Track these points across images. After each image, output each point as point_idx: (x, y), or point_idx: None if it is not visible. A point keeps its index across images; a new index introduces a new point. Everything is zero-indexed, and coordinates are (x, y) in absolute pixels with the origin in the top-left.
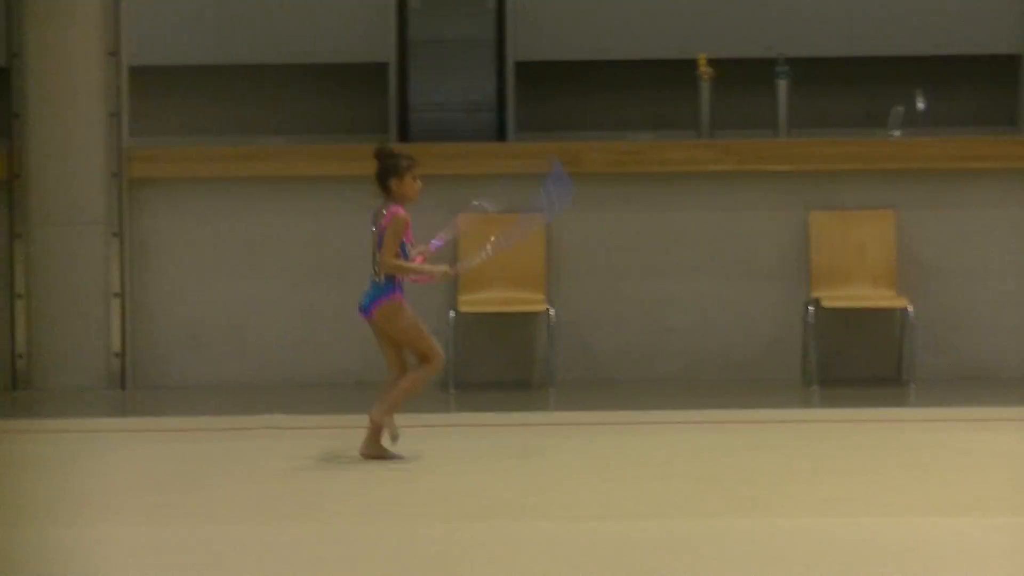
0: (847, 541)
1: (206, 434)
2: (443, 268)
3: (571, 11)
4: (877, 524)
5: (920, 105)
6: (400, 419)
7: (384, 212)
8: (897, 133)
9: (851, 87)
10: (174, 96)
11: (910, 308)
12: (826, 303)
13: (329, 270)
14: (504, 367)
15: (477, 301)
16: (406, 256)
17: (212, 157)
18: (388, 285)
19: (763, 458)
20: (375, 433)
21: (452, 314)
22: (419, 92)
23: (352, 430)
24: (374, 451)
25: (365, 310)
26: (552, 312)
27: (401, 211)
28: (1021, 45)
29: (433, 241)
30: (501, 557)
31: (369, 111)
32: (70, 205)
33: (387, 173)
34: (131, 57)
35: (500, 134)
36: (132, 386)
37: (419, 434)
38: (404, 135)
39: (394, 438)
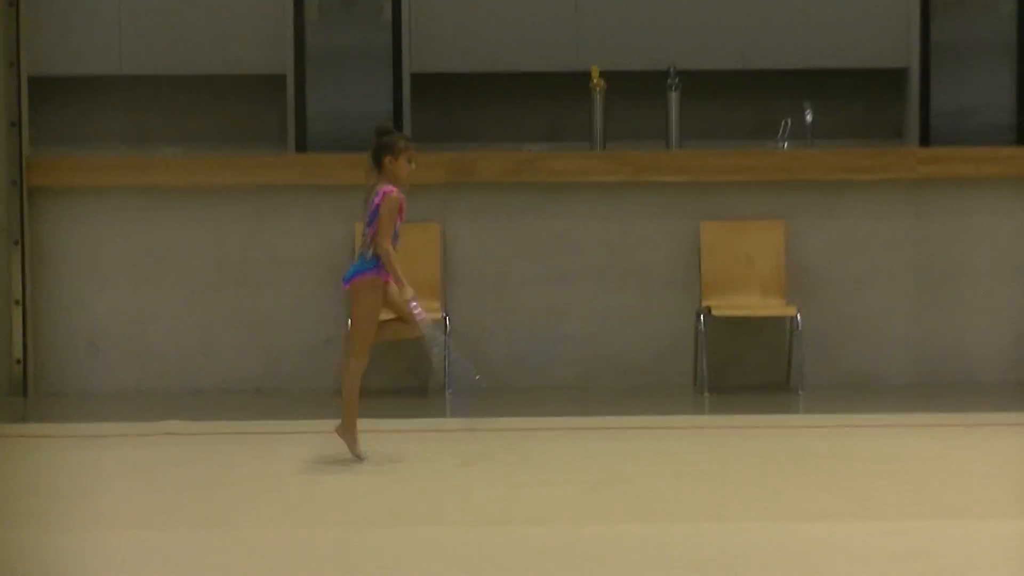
0: (737, 545)
1: (104, 441)
2: (412, 291)
3: (466, 23)
4: (766, 528)
5: (808, 118)
6: (286, 425)
7: (377, 190)
8: (786, 145)
9: (741, 100)
10: (75, 106)
11: (799, 316)
12: (716, 311)
13: (227, 278)
14: (401, 374)
15: None
16: (396, 234)
17: (112, 166)
18: (375, 263)
19: (655, 463)
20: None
21: (349, 322)
22: (316, 103)
23: (251, 435)
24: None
25: (346, 280)
26: (447, 318)
27: (394, 191)
28: (906, 59)
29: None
30: (397, 562)
31: (267, 122)
32: None
33: (382, 149)
34: (31, 68)
35: None
36: (33, 393)
37: (314, 440)
38: (302, 145)
39: (359, 457)
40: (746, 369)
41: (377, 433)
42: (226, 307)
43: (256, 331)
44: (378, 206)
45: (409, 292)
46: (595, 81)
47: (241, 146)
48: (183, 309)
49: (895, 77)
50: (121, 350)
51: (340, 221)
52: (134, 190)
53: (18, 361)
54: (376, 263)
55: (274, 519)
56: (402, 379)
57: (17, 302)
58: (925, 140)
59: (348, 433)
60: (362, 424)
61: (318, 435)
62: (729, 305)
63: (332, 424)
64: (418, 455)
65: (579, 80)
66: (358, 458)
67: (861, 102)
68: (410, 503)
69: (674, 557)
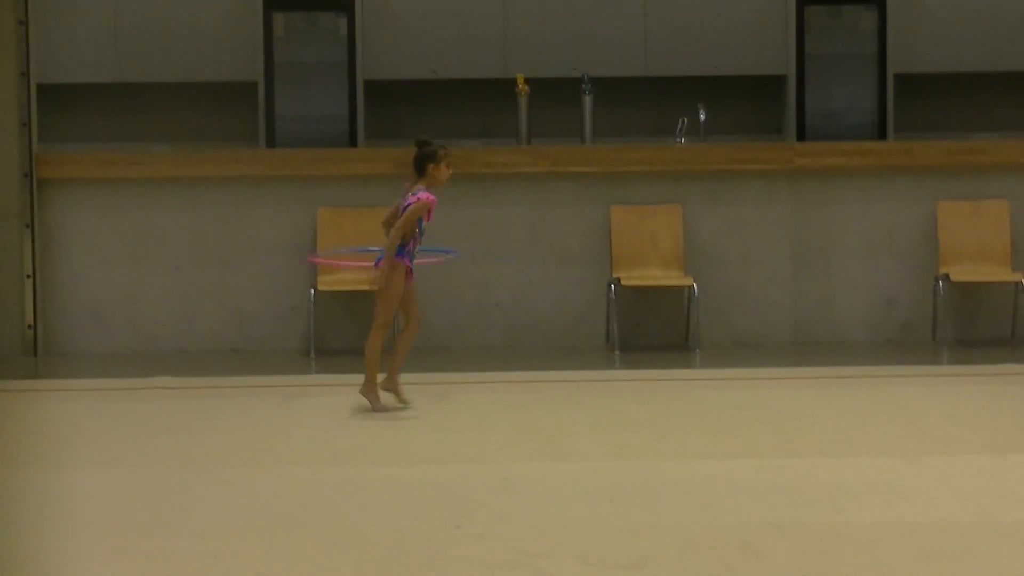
0: (639, 479)
1: (104, 394)
2: (375, 276)
3: (411, 38)
4: (665, 466)
5: (702, 117)
6: (259, 380)
7: (411, 194)
8: (683, 141)
9: (645, 102)
10: (77, 109)
11: (695, 286)
12: (625, 282)
13: (207, 256)
14: (356, 337)
15: (334, 281)
16: (421, 231)
17: (109, 161)
18: (400, 250)
19: (571, 411)
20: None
21: (312, 291)
22: (283, 106)
23: (227, 389)
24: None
25: (377, 262)
26: None
27: (429, 197)
28: (785, 67)
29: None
30: (353, 497)
31: (241, 122)
32: None
33: (426, 158)
34: (39, 76)
35: (352, 141)
36: (42, 353)
37: (286, 393)
38: (271, 142)
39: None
40: (650, 331)
41: (338, 387)
42: (206, 280)
43: (232, 301)
44: (407, 206)
45: (378, 274)
46: (520, 87)
47: (219, 143)
48: (169, 282)
49: (775, 82)
50: (117, 317)
51: (303, 207)
52: (128, 181)
53: (29, 326)
54: (402, 251)
55: (249, 461)
56: (356, 341)
57: (28, 276)
58: (801, 136)
59: (369, 390)
60: (322, 379)
61: (288, 388)
62: (636, 277)
63: (300, 380)
64: (368, 404)
65: (507, 86)
66: (382, 409)
67: (746, 104)
68: (362, 447)
69: (586, 490)
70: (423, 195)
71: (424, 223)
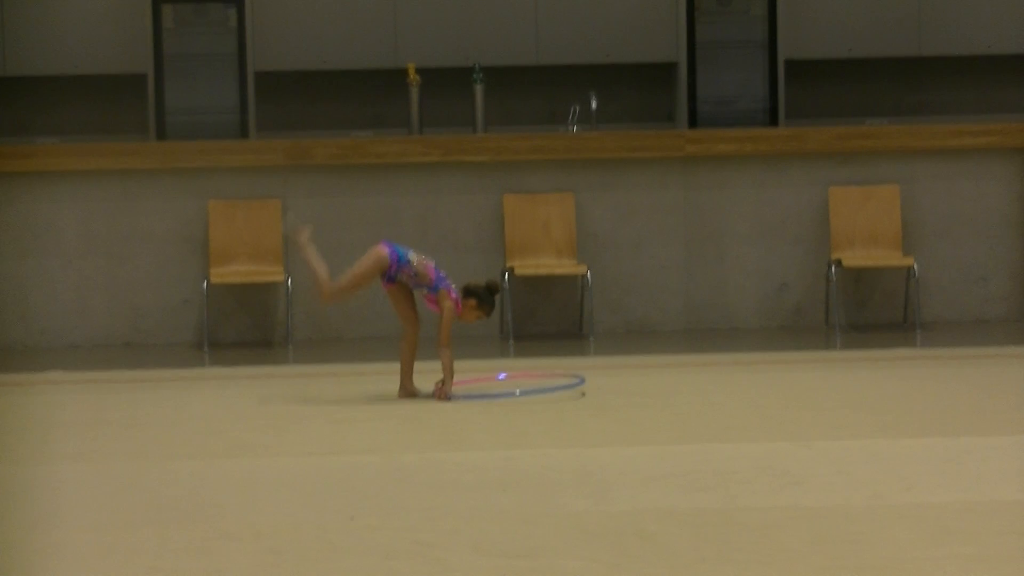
0: (531, 468)
1: None
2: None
3: (301, 29)
4: (558, 454)
5: (593, 105)
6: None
7: (434, 268)
8: (575, 128)
9: (536, 90)
10: None
11: (588, 274)
12: (519, 271)
13: (97, 248)
14: (249, 329)
15: (225, 273)
16: (414, 277)
17: None
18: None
19: (465, 401)
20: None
21: (205, 284)
22: (173, 98)
23: (119, 383)
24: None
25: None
26: (290, 281)
27: (459, 306)
28: (676, 55)
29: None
30: (250, 487)
31: (131, 115)
32: None
33: (475, 295)
34: None
35: (243, 132)
36: None
37: (178, 386)
38: (161, 134)
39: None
40: (544, 319)
41: (229, 380)
42: (96, 273)
43: (123, 294)
44: (424, 284)
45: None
46: (411, 76)
47: (109, 136)
48: (60, 275)
49: (666, 70)
50: (6, 311)
51: (194, 198)
52: (16, 175)
53: None
54: (391, 279)
55: (137, 454)
56: (249, 333)
57: None
58: (692, 123)
59: (402, 389)
60: (214, 372)
61: (178, 382)
62: (529, 265)
63: (191, 372)
64: (263, 398)
65: (398, 76)
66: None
67: (638, 91)
68: (255, 439)
69: (480, 479)
70: (457, 300)
71: (415, 288)
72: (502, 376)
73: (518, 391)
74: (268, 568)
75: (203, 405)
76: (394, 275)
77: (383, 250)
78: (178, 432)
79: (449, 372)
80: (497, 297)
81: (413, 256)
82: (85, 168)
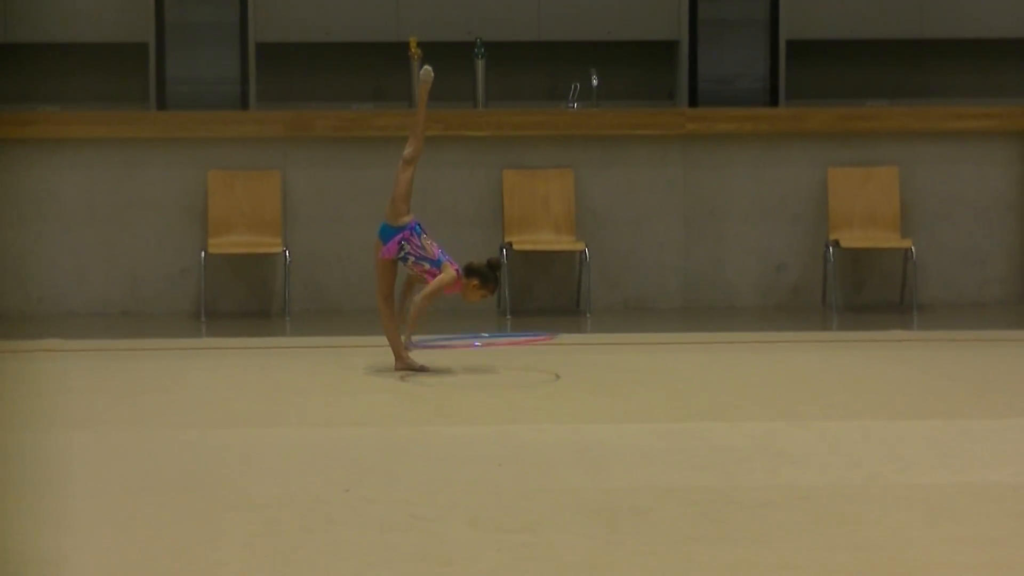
0: (528, 443)
1: None
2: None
3: (304, 0)
4: (555, 429)
5: (594, 82)
6: (143, 342)
7: (448, 266)
8: (575, 105)
9: (537, 66)
10: None
11: (586, 250)
12: (517, 246)
13: (96, 217)
14: (247, 299)
15: (224, 244)
16: (417, 251)
17: None
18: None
19: (462, 375)
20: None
21: (203, 254)
22: (174, 68)
23: (118, 352)
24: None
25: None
26: (287, 252)
27: (458, 283)
28: (677, 33)
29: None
30: (247, 458)
31: (132, 84)
32: None
33: (476, 274)
34: None
35: (243, 104)
36: None
37: (176, 355)
38: (162, 104)
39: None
40: (542, 295)
41: (226, 350)
42: (97, 241)
43: (121, 262)
44: (427, 258)
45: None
46: (413, 50)
47: (110, 104)
48: (60, 242)
49: (668, 48)
50: (5, 278)
51: (194, 168)
52: (17, 142)
53: None
54: (391, 235)
55: (134, 423)
56: (247, 304)
57: None
58: (693, 102)
59: (399, 360)
60: (212, 342)
61: (175, 352)
62: (528, 241)
63: (190, 342)
64: (262, 368)
65: (399, 49)
66: (424, 369)
67: (639, 69)
68: (252, 410)
69: (476, 453)
70: (458, 270)
71: (415, 263)
72: (477, 344)
73: (477, 342)
74: (264, 538)
75: (200, 375)
76: (401, 243)
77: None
78: (175, 402)
79: (414, 322)
80: (500, 274)
81: (424, 233)
82: (86, 136)
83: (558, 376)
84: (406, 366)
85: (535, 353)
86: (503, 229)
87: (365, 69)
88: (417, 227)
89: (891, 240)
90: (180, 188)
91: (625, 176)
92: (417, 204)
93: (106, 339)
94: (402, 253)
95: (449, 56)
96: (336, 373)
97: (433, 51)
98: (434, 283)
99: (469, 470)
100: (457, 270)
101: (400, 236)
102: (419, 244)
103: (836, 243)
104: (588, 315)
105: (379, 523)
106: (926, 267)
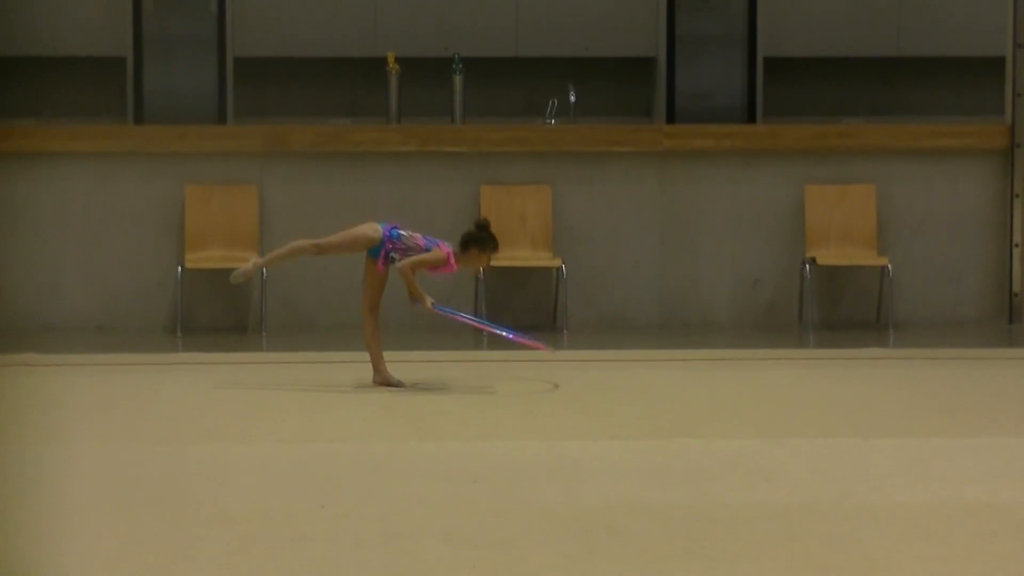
0: (503, 460)
1: None
2: (430, 299)
3: (282, 15)
4: (530, 446)
5: (572, 98)
6: (118, 356)
7: (425, 238)
8: (553, 121)
9: (515, 82)
10: None
11: (563, 267)
12: (494, 262)
13: (73, 230)
14: (223, 314)
15: (200, 258)
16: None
17: None
18: (376, 252)
19: (438, 391)
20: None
21: (179, 268)
22: (152, 81)
23: (93, 367)
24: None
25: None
26: (265, 270)
27: (452, 263)
28: (655, 49)
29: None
30: (222, 473)
31: (109, 97)
32: None
33: (474, 241)
34: None
35: (221, 118)
36: None
37: (152, 370)
38: (139, 118)
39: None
40: (518, 311)
41: (201, 365)
42: (72, 255)
43: (97, 277)
44: (426, 249)
45: (428, 301)
46: (391, 65)
47: (87, 118)
48: (33, 256)
49: (645, 65)
50: None
51: (171, 182)
52: None
53: None
54: (377, 252)
55: (108, 438)
56: (223, 319)
57: None
58: (670, 118)
59: (378, 374)
60: (188, 357)
61: (150, 367)
62: (504, 257)
63: (165, 357)
64: (238, 383)
65: (377, 64)
66: (400, 385)
67: (616, 85)
68: (227, 425)
69: (452, 470)
70: (449, 252)
71: (403, 252)
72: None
73: (497, 329)
74: (237, 555)
75: (175, 391)
76: (388, 252)
77: (374, 225)
78: (150, 417)
79: (412, 285)
80: (492, 230)
81: (402, 232)
82: (63, 150)
83: (557, 385)
84: (383, 380)
85: (510, 371)
86: None
87: (343, 84)
88: (393, 232)
89: (867, 257)
90: (157, 202)
91: (602, 192)
92: (394, 220)
93: (81, 353)
94: (391, 258)
95: (427, 71)
96: (312, 388)
97: (411, 66)
98: (421, 255)
99: (444, 487)
100: (449, 253)
101: (383, 249)
102: (403, 246)
103: (812, 260)
104: (564, 331)
105: (353, 539)
106: (902, 284)
